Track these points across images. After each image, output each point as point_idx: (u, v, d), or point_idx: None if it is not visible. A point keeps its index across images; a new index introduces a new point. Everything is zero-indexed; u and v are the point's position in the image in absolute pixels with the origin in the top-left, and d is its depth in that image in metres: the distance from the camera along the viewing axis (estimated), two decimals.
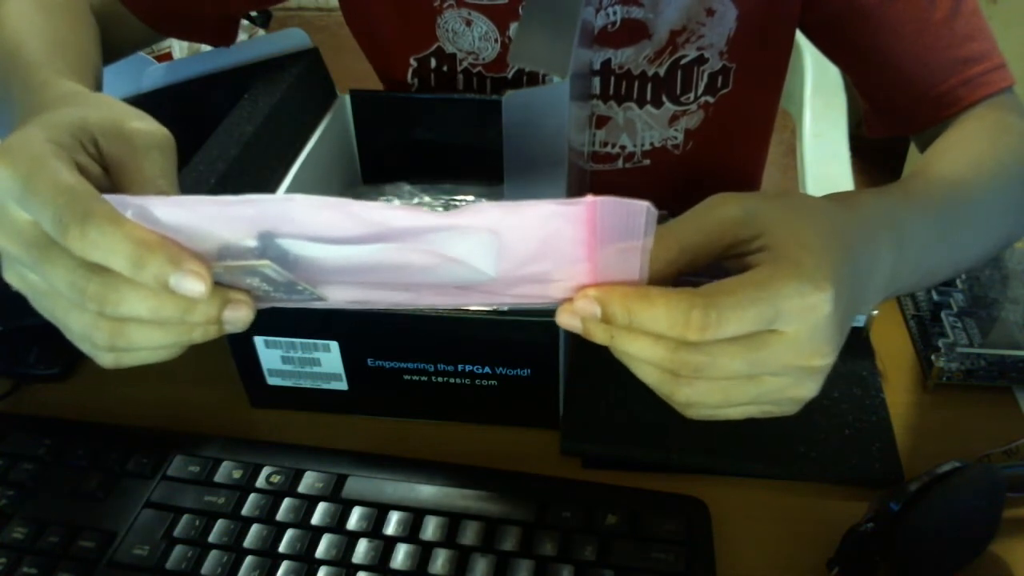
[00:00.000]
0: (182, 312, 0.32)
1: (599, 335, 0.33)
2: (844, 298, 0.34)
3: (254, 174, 0.57)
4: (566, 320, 0.33)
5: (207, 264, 0.31)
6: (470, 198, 0.67)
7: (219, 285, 0.32)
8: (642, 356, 0.33)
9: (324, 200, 0.28)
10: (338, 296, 0.34)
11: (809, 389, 0.35)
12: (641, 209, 0.29)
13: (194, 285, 0.30)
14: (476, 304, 0.34)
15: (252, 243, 0.30)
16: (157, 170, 0.36)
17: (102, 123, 0.37)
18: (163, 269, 0.30)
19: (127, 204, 0.31)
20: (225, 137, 0.57)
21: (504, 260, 0.31)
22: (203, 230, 0.30)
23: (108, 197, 0.31)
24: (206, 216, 0.30)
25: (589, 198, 0.28)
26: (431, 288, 0.33)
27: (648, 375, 0.34)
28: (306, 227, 0.30)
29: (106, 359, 0.35)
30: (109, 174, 0.36)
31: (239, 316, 0.33)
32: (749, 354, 0.33)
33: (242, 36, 0.72)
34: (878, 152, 1.63)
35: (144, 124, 0.37)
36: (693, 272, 0.36)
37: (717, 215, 0.35)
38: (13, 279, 0.35)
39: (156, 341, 0.34)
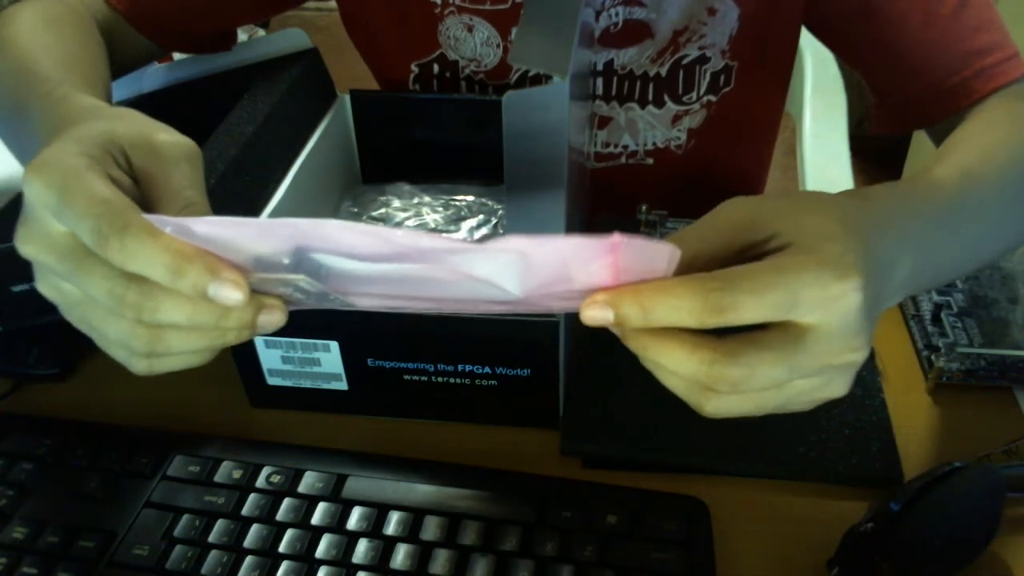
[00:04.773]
0: (217, 318, 0.33)
1: (632, 343, 0.32)
2: (871, 288, 0.32)
3: (254, 174, 0.57)
4: (591, 316, 0.32)
5: (243, 273, 0.31)
6: (470, 198, 0.67)
7: (252, 292, 0.33)
8: (675, 370, 0.32)
9: (356, 224, 0.29)
10: (367, 304, 0.35)
11: (839, 387, 0.34)
12: (664, 252, 0.29)
13: (231, 293, 0.31)
14: (500, 311, 0.34)
15: (286, 259, 0.31)
16: (186, 181, 0.37)
17: (131, 136, 0.37)
18: (201, 278, 0.31)
19: (166, 223, 0.31)
20: (225, 137, 0.57)
21: (529, 278, 0.31)
22: (238, 245, 0.31)
23: (147, 217, 0.32)
24: (242, 235, 0.31)
25: (616, 236, 0.28)
26: (457, 299, 0.34)
27: (677, 386, 0.33)
28: (338, 245, 0.30)
29: (140, 365, 0.35)
30: (139, 186, 0.37)
31: (272, 320, 0.34)
32: (788, 359, 0.31)
33: (242, 36, 0.72)
34: (878, 152, 1.64)
35: (171, 136, 0.38)
36: None
37: (724, 221, 0.35)
38: (46, 290, 0.35)
39: (192, 345, 0.35)
